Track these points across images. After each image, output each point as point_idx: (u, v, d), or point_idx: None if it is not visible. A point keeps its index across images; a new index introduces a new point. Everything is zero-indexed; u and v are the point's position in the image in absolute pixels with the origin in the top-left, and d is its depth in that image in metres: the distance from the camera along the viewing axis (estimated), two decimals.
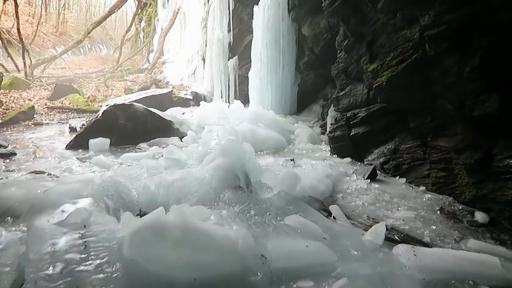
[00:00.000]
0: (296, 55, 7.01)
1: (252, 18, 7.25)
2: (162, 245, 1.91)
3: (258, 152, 4.80)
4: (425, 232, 2.78)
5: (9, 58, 14.30)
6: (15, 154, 4.83)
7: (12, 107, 8.95)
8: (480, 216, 3.03)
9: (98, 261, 1.90)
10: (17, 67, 14.78)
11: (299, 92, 7.19)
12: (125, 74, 15.08)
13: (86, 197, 2.45)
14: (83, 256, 1.93)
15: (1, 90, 11.68)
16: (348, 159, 4.58)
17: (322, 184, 3.44)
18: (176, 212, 2.05)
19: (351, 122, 4.68)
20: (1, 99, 10.02)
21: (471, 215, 3.10)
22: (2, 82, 10.49)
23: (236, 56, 8.65)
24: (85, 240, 2.03)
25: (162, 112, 5.95)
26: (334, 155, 4.82)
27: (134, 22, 18.96)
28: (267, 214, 2.64)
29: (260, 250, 2.10)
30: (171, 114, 6.26)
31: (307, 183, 3.30)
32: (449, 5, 3.07)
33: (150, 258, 1.84)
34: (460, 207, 3.25)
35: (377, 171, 4.04)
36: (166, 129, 5.55)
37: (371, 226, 2.73)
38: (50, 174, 3.44)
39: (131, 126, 5.39)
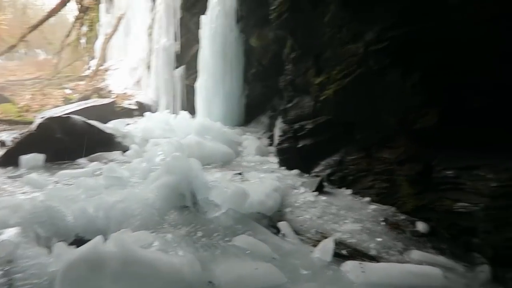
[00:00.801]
0: (244, 66, 7.00)
1: (199, 27, 7.15)
2: (100, 279, 1.75)
3: (206, 166, 4.67)
4: (371, 245, 2.83)
5: None
6: None
7: None
8: (421, 226, 3.14)
9: None
10: None
11: (247, 103, 7.16)
12: (65, 82, 14.23)
13: (13, 226, 2.21)
14: None
15: None
16: (296, 171, 4.60)
17: (271, 198, 3.40)
18: (116, 241, 1.90)
19: (299, 134, 4.72)
20: None
21: (413, 225, 3.21)
22: None
23: (184, 66, 8.48)
24: (10, 278, 1.82)
25: (104, 125, 5.63)
26: (282, 167, 4.82)
27: (74, 27, 18.01)
28: (215, 235, 2.55)
29: (207, 276, 2.01)
30: (114, 126, 5.94)
31: (256, 199, 3.24)
32: (390, 23, 3.19)
33: None
34: (403, 218, 3.36)
35: (324, 183, 4.09)
36: (107, 143, 5.26)
37: (320, 241, 2.74)
38: None
39: (69, 141, 5.04)
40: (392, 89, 3.35)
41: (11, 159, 4.76)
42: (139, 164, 4.00)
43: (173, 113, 7.17)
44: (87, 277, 1.73)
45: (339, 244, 2.77)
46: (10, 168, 4.67)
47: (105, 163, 4.75)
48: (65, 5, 15.65)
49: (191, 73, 7.98)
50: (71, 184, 3.60)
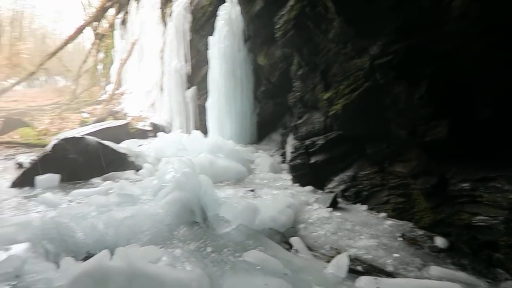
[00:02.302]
0: (254, 85, 7.04)
1: (208, 48, 7.26)
2: None
3: (218, 184, 4.65)
4: (388, 261, 2.73)
5: None
6: None
7: None
8: (440, 241, 3.02)
9: None
10: None
11: (258, 121, 7.17)
12: (82, 106, 14.55)
13: (22, 242, 2.20)
14: None
15: None
16: (309, 188, 4.53)
17: (284, 215, 3.34)
18: (122, 255, 1.87)
19: (310, 150, 4.67)
20: None
21: (431, 241, 3.09)
22: None
23: (195, 86, 8.59)
24: None
25: (117, 145, 5.69)
26: (296, 184, 4.75)
27: (91, 53, 18.58)
28: (225, 250, 2.50)
29: None
30: (127, 146, 6.01)
31: (268, 215, 3.18)
32: (393, 37, 3.17)
33: None
34: (421, 233, 3.25)
35: (338, 199, 4.01)
36: (120, 163, 5.29)
37: (334, 257, 2.66)
38: None
39: (83, 160, 5.10)
40: (400, 102, 3.30)
41: (27, 180, 4.83)
42: (150, 181, 4.00)
43: (186, 133, 7.22)
44: None
45: (354, 260, 2.68)
46: (26, 188, 4.73)
47: (118, 182, 4.78)
48: (81, 32, 16.18)
49: (202, 93, 8.07)
50: (84, 202, 3.62)
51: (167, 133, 7.92)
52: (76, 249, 2.46)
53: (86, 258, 2.38)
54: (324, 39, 4.23)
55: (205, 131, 7.00)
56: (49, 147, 5.14)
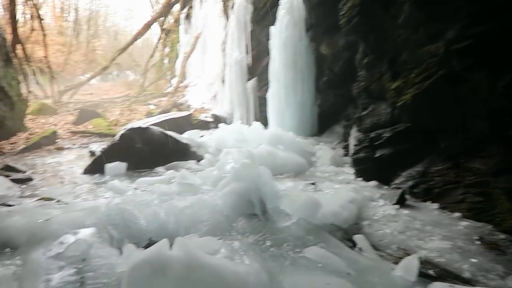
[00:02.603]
0: (316, 75, 6.83)
1: (269, 39, 7.16)
2: (163, 282, 1.71)
3: (278, 176, 4.57)
4: (464, 266, 2.46)
5: (38, 85, 14.83)
6: (31, 179, 4.80)
7: (36, 132, 9.11)
8: None
9: None
10: (45, 93, 15.29)
11: (319, 113, 6.96)
12: (149, 99, 15.27)
13: (89, 227, 2.29)
14: None
15: (29, 116, 12.04)
16: (373, 183, 4.28)
17: (346, 210, 3.17)
18: (181, 245, 1.85)
19: (375, 143, 4.41)
20: (28, 124, 10.26)
21: None
22: (29, 108, 10.81)
23: (255, 78, 8.56)
24: (82, 276, 1.86)
25: (180, 135, 5.84)
26: (359, 178, 4.53)
27: (157, 48, 19.39)
28: (285, 245, 2.41)
29: None
30: (189, 137, 6.15)
31: (329, 210, 3.04)
32: (472, 19, 2.85)
33: None
34: (502, 237, 2.90)
35: (406, 196, 3.73)
36: (183, 153, 5.42)
37: (402, 258, 2.45)
38: (59, 201, 3.33)
39: (148, 150, 5.29)
40: (480, 91, 2.96)
41: (97, 167, 5.13)
42: (210, 172, 4.03)
43: (246, 124, 7.23)
44: (151, 280, 1.69)
45: (425, 262, 2.45)
46: (96, 175, 5.03)
47: (180, 171, 4.90)
48: (148, 28, 16.87)
49: (263, 84, 8.01)
50: (147, 191, 3.74)
51: (227, 124, 8.00)
52: (139, 236, 2.51)
53: (147, 245, 2.43)
54: (393, 25, 3.96)
55: (265, 123, 6.93)
56: (117, 137, 5.41)
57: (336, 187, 4.04)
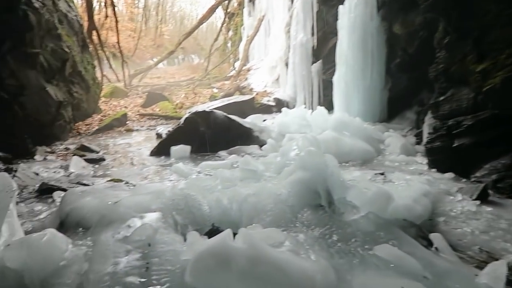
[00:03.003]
0: (386, 57, 6.40)
1: (337, 19, 6.81)
2: (227, 275, 1.65)
3: (343, 164, 4.37)
4: None
5: (111, 69, 15.71)
6: (104, 159, 5.07)
7: (109, 114, 9.67)
8: None
9: (158, 287, 1.71)
10: (117, 77, 16.16)
11: (389, 97, 6.54)
12: (213, 82, 15.55)
13: (155, 211, 2.31)
14: (143, 280, 1.75)
15: (103, 98, 12.82)
16: (450, 175, 3.92)
17: (419, 204, 2.91)
18: (245, 236, 1.78)
19: (454, 132, 4.01)
20: (102, 106, 10.92)
21: None
22: (103, 91, 11.50)
23: (320, 60, 8.27)
24: (147, 261, 1.86)
25: (243, 119, 5.82)
26: (433, 169, 4.17)
27: (221, 32, 19.59)
28: (353, 240, 2.24)
29: None
30: (252, 121, 6.11)
31: (401, 203, 2.80)
32: None
33: None
34: None
35: (489, 191, 3.35)
36: (245, 137, 5.40)
37: (486, 262, 2.18)
38: (128, 182, 3.44)
39: (211, 134, 5.34)
40: None
41: (163, 150, 5.29)
42: (273, 158, 3.94)
43: (310, 109, 7.02)
44: (215, 271, 1.64)
45: None
46: (162, 157, 5.19)
47: (243, 156, 4.87)
48: (213, 12, 17.00)
49: (329, 67, 7.71)
50: (211, 175, 3.75)
51: (290, 108, 7.84)
52: (202, 222, 2.49)
53: (210, 232, 2.41)
54: (480, 0, 3.52)
55: (330, 107, 6.68)
56: (182, 120, 5.52)
57: (407, 178, 3.75)
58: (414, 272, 1.98)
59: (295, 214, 2.47)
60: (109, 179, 4.09)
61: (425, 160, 4.43)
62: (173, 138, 5.32)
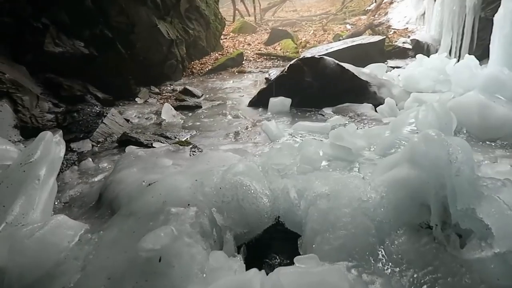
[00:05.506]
0: None
1: None
2: None
3: (488, 143, 3.15)
4: None
5: (242, 3, 15.42)
6: (200, 107, 4.78)
7: (229, 52, 9.41)
8: None
9: None
10: (247, 11, 15.84)
11: None
12: (348, 17, 14.04)
13: (189, 205, 1.78)
14: None
15: (231, 34, 12.70)
16: None
17: None
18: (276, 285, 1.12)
19: None
20: (226, 43, 10.76)
21: None
22: (231, 27, 11.26)
23: None
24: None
25: (359, 69, 4.75)
26: None
27: None
28: None
29: None
30: (371, 72, 4.95)
31: None
32: None
33: None
34: None
35: None
36: (359, 92, 4.40)
37: None
38: (195, 146, 2.99)
39: (318, 86, 4.50)
40: None
41: (262, 100, 4.73)
42: (381, 130, 2.98)
43: (456, 57, 5.46)
44: None
45: None
46: (260, 109, 4.66)
47: (351, 117, 4.01)
48: None
49: (491, 1, 5.77)
50: (298, 142, 3.07)
51: (431, 53, 6.29)
52: (254, 222, 1.88)
53: (258, 239, 1.83)
54: None
55: (483, 57, 5.02)
56: (286, 68, 4.78)
57: None
58: None
59: (382, 238, 1.67)
60: (194, 132, 3.77)
61: None
62: (275, 87, 4.66)
